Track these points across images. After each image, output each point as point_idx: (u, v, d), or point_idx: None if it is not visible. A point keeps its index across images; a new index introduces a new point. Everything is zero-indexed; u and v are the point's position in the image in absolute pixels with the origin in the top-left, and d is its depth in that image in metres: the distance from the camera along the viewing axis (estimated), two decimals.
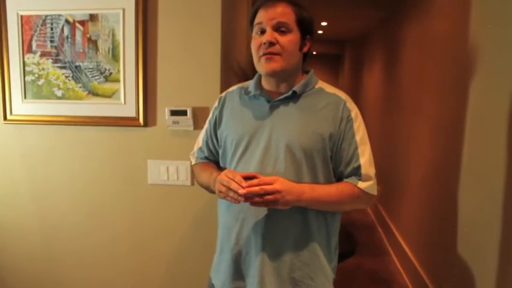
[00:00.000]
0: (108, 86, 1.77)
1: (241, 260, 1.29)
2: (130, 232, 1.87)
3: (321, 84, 1.33)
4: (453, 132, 2.36)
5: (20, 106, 1.85)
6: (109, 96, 1.78)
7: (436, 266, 2.67)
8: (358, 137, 1.24)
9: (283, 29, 1.21)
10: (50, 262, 1.94)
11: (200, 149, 1.45)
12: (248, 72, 1.98)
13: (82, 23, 1.77)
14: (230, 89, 1.42)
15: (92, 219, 1.89)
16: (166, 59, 1.75)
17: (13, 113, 1.86)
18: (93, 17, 1.75)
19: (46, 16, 1.78)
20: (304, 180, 1.22)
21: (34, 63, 1.82)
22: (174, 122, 1.73)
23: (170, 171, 1.79)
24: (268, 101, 1.28)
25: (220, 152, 1.38)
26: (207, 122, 1.43)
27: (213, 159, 1.43)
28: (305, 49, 1.28)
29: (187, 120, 1.72)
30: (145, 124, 1.77)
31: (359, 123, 1.26)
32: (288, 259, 1.25)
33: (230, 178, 1.15)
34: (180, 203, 1.82)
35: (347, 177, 1.26)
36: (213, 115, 1.41)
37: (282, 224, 1.24)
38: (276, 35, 1.20)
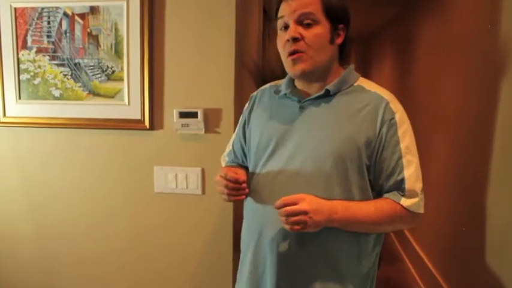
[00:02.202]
0: (111, 86, 1.70)
1: (258, 277, 1.19)
2: (135, 245, 1.80)
3: (362, 81, 1.17)
4: (478, 134, 2.28)
5: (14, 107, 1.78)
6: (111, 97, 1.71)
7: (457, 275, 2.59)
8: (403, 145, 1.07)
9: (308, 21, 1.07)
10: (47, 275, 1.88)
11: (230, 151, 1.38)
12: (263, 69, 1.85)
13: (82, 16, 1.69)
14: (263, 87, 1.31)
15: (92, 231, 1.82)
16: (174, 55, 1.67)
17: (6, 114, 1.79)
18: (93, 10, 1.68)
19: (42, 8, 1.71)
20: (335, 194, 1.08)
21: (29, 61, 1.75)
22: (183, 125, 1.65)
23: (179, 178, 1.71)
24: (300, 101, 1.16)
25: (247, 155, 1.28)
26: (239, 122, 1.36)
27: (244, 164, 1.34)
28: (338, 41, 1.13)
29: (197, 123, 1.64)
30: (152, 127, 1.70)
31: (405, 129, 1.09)
32: (307, 283, 1.12)
33: (222, 176, 1.12)
34: (189, 214, 1.74)
35: (388, 191, 1.10)
36: (243, 116, 1.32)
37: (300, 242, 1.11)
38: (300, 29, 1.07)
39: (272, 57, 3.41)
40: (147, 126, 1.68)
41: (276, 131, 1.16)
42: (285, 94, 1.18)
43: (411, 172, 1.07)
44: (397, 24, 4.63)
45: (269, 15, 2.64)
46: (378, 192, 1.12)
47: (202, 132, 1.65)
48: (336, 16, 1.09)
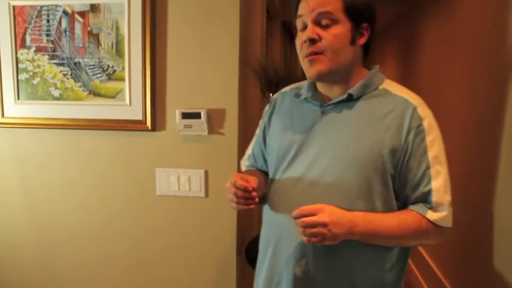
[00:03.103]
0: (112, 85, 1.67)
1: (273, 286, 1.16)
2: (136, 249, 1.77)
3: (387, 84, 1.09)
4: (485, 135, 2.25)
5: (13, 108, 1.76)
6: (112, 97, 1.68)
7: (463, 277, 2.55)
8: (431, 154, 1.00)
9: (326, 21, 1.00)
10: (46, 279, 1.86)
11: (250, 156, 1.34)
12: (267, 69, 1.81)
13: (82, 14, 1.66)
14: (283, 90, 1.26)
15: (93, 235, 1.79)
16: (177, 54, 1.64)
17: (5, 115, 1.76)
18: (94, 8, 1.65)
19: (41, 7, 1.68)
20: (357, 205, 1.02)
21: (28, 60, 1.72)
22: (186, 126, 1.63)
23: (181, 181, 1.68)
24: (321, 106, 1.10)
25: (267, 161, 1.24)
26: (259, 126, 1.30)
27: (263, 169, 1.29)
28: (361, 41, 1.05)
29: (200, 124, 1.61)
30: (154, 128, 1.67)
31: (434, 136, 1.02)
32: None
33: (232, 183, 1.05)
34: (192, 217, 1.71)
35: (414, 203, 1.04)
36: (263, 120, 1.27)
37: (318, 262, 1.06)
38: (318, 29, 1.01)
39: (276, 57, 3.37)
40: (149, 127, 1.66)
41: (297, 137, 1.11)
42: (306, 98, 1.13)
43: (439, 184, 1.00)
44: (401, 23, 4.59)
45: (271, 15, 2.60)
46: (403, 203, 1.06)
47: (206, 133, 1.62)
48: (358, 14, 1.02)
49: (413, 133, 1.00)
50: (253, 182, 1.06)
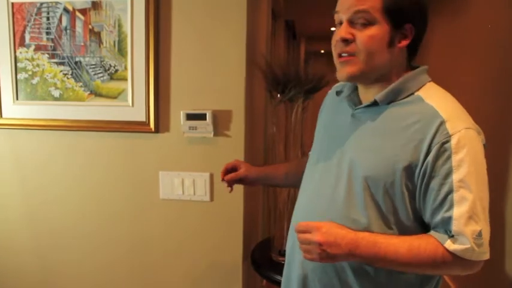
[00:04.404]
0: (114, 85, 1.66)
1: None
2: (138, 255, 1.75)
3: (426, 89, 0.98)
4: (496, 137, 2.20)
5: (11, 108, 1.74)
6: (114, 97, 1.66)
7: (473, 283, 2.54)
8: (456, 176, 0.88)
9: (362, 20, 0.93)
10: (45, 284, 1.84)
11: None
12: (274, 68, 1.78)
13: (83, 11, 1.64)
14: (336, 85, 1.20)
15: (93, 239, 1.77)
16: (181, 53, 1.61)
17: (3, 116, 1.75)
18: (95, 5, 1.63)
19: (41, 4, 1.66)
20: (366, 221, 0.95)
21: (27, 59, 1.70)
22: (191, 128, 1.60)
23: (186, 184, 1.66)
24: (354, 108, 1.05)
25: None
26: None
27: None
28: (402, 43, 0.95)
29: (206, 126, 1.59)
30: (157, 130, 1.65)
31: (463, 156, 0.88)
32: None
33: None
34: (197, 222, 1.68)
35: (435, 227, 0.94)
36: (318, 121, 1.23)
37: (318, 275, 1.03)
38: (352, 29, 0.94)
39: (280, 56, 3.32)
40: (152, 129, 1.64)
41: (327, 137, 1.09)
42: (345, 97, 1.08)
43: (462, 211, 0.88)
44: None
45: (275, 14, 2.55)
46: (425, 224, 0.97)
47: (211, 135, 1.60)
48: (399, 15, 0.93)
49: (435, 151, 0.89)
50: (238, 166, 1.34)
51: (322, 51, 9.29)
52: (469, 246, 0.88)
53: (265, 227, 2.03)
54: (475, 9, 2.77)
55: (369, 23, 0.92)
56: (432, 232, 0.93)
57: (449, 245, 0.89)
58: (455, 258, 0.89)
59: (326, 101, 1.21)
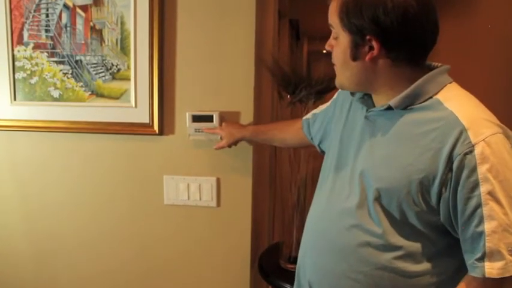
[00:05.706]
0: (116, 85, 1.64)
1: None
2: (141, 262, 1.72)
3: (445, 92, 0.91)
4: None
5: (9, 109, 1.73)
6: (116, 98, 1.65)
7: None
8: (484, 188, 0.82)
9: (333, 33, 0.96)
10: None
11: (309, 118, 1.34)
12: (285, 68, 1.74)
13: (84, 8, 1.62)
14: None
15: (95, 245, 1.75)
16: (187, 52, 1.58)
17: (0, 117, 1.73)
18: (97, 1, 1.60)
19: (40, 0, 1.64)
20: (381, 231, 0.92)
21: (26, 58, 1.69)
22: (197, 130, 1.57)
23: (191, 189, 1.63)
24: (367, 110, 1.01)
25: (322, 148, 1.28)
26: (331, 101, 1.26)
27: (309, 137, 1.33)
28: (368, 57, 0.90)
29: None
30: (161, 132, 1.63)
31: (491, 167, 0.82)
32: None
33: None
34: (203, 228, 1.66)
35: (463, 242, 0.89)
36: (332, 102, 1.24)
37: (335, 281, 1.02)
38: (333, 41, 0.98)
39: (285, 56, 3.27)
40: (156, 131, 1.62)
41: (342, 140, 1.08)
42: (359, 98, 1.04)
43: (494, 225, 0.82)
44: None
45: (280, 13, 2.52)
46: (442, 230, 0.93)
47: (218, 137, 1.55)
48: (354, 27, 0.89)
49: (458, 162, 0.83)
50: (224, 130, 1.48)
51: (324, 51, 9.45)
52: (504, 262, 0.82)
53: (270, 233, 1.99)
54: (481, 12, 2.78)
55: (337, 36, 0.94)
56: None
57: (489, 271, 0.83)
58: (493, 283, 0.84)
59: (339, 95, 1.19)
